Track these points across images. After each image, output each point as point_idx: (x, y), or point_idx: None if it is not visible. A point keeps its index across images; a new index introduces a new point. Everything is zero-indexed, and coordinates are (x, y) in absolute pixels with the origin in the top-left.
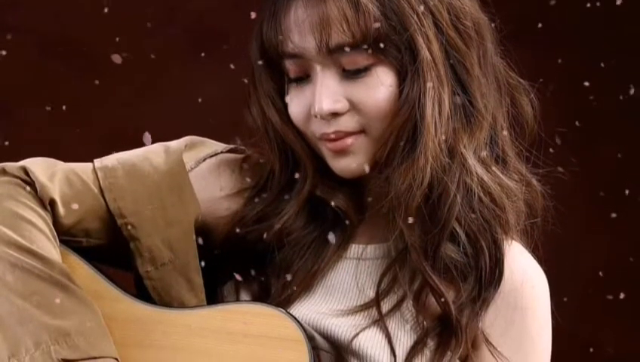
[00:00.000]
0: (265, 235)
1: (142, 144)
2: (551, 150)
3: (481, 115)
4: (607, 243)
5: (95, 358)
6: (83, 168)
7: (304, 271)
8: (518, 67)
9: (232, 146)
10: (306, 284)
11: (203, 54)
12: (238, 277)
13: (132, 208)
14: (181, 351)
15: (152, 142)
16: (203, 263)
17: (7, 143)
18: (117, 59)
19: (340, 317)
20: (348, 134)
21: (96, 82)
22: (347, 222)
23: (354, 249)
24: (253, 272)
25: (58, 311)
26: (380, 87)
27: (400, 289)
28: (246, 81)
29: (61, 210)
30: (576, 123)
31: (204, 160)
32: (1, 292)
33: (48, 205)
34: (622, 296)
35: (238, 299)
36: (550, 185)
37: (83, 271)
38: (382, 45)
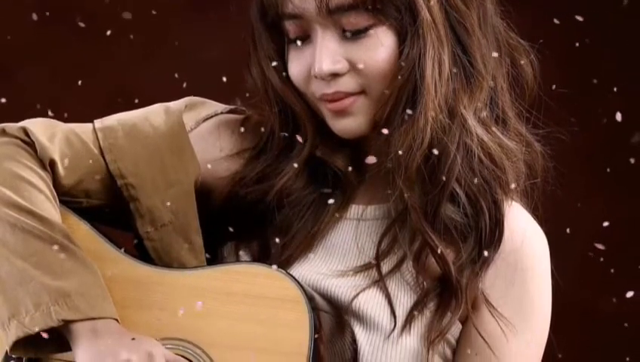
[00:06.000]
0: (265, 196)
1: (142, 105)
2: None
3: (481, 76)
4: (608, 203)
5: (95, 319)
6: (83, 129)
7: (304, 231)
8: (518, 28)
9: (232, 107)
10: (306, 245)
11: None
12: (230, 229)
13: (132, 169)
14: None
15: (152, 103)
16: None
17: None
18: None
19: (339, 277)
20: (348, 95)
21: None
22: (346, 182)
23: (354, 209)
24: (252, 233)
25: (58, 272)
26: (380, 47)
27: (400, 249)
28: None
29: (61, 170)
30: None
31: (204, 120)
32: (1, 252)
33: (48, 166)
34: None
35: (237, 260)
36: (550, 146)
37: (83, 232)
38: (382, 6)
